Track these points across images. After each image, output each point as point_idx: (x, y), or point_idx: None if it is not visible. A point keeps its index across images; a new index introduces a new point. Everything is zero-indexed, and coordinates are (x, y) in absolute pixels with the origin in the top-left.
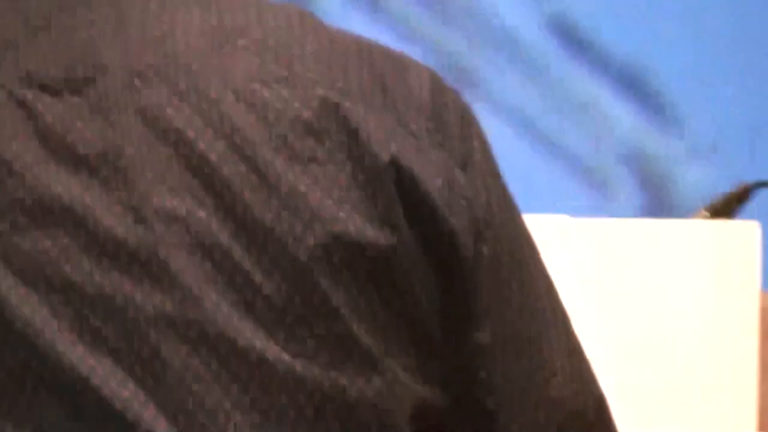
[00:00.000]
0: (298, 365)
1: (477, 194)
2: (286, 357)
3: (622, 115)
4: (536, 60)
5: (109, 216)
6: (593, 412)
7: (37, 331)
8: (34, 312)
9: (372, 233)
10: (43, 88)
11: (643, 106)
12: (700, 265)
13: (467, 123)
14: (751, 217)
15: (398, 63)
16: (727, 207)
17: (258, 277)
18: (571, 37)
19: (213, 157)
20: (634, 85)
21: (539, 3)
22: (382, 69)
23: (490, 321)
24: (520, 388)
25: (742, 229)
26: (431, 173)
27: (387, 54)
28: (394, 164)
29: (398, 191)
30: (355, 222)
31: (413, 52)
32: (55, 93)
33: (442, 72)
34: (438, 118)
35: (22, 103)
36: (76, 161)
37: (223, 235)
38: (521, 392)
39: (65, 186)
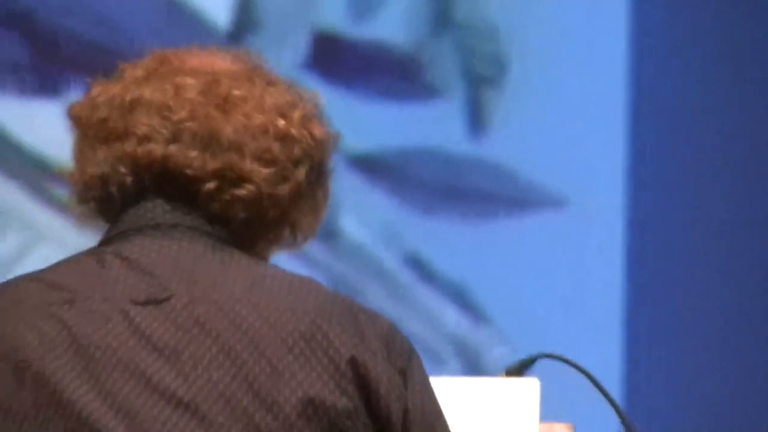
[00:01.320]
0: None
1: (410, 393)
2: None
3: (451, 316)
4: (395, 281)
5: (173, 380)
6: None
7: None
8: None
9: (335, 398)
10: (134, 302)
11: (465, 310)
12: (498, 410)
13: (407, 351)
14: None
15: (372, 314)
16: (519, 370)
17: (262, 422)
18: (420, 267)
19: (238, 347)
20: (459, 297)
21: (399, 243)
22: (358, 314)
23: None
24: None
25: (527, 384)
26: (380, 374)
27: (367, 310)
28: (353, 361)
29: (355, 378)
30: (324, 389)
31: (312, 274)
32: (149, 304)
33: (334, 286)
34: (389, 346)
35: (123, 314)
36: (155, 348)
37: (245, 397)
38: None
39: (147, 363)
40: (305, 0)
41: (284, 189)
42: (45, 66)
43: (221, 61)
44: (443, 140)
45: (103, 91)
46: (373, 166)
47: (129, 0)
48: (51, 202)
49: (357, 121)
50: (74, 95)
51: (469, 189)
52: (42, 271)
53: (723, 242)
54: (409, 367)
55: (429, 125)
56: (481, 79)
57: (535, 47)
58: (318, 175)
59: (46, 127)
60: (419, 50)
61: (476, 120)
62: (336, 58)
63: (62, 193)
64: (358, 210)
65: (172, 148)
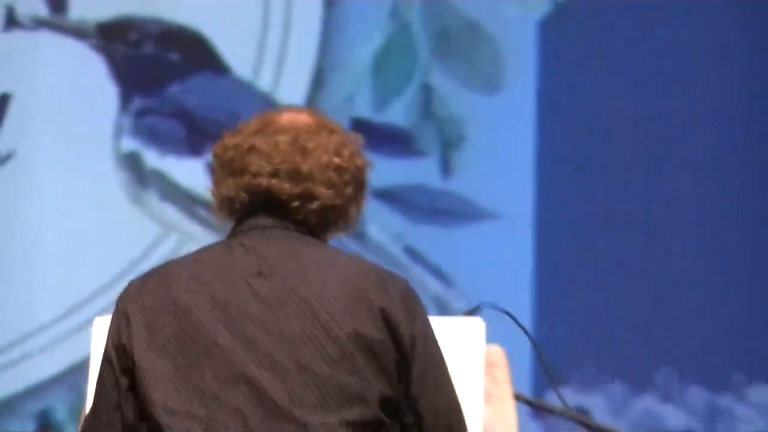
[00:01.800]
0: (342, 377)
1: (416, 327)
2: (340, 375)
3: (433, 285)
4: (400, 265)
5: (274, 322)
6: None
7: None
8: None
9: (372, 332)
10: (251, 275)
11: (442, 281)
12: (450, 343)
13: (415, 300)
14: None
15: (394, 276)
16: (471, 313)
17: (326, 343)
18: (415, 255)
19: (312, 300)
20: (439, 274)
21: (402, 241)
22: (384, 277)
23: (419, 381)
24: (435, 410)
25: (473, 323)
26: (398, 316)
27: (391, 273)
28: (382, 310)
29: (383, 319)
30: (366, 326)
31: None
32: (261, 276)
33: None
34: (403, 297)
35: (245, 283)
36: (258, 300)
37: (315, 330)
38: (436, 412)
39: (260, 313)
40: (348, 100)
41: (339, 201)
42: (193, 138)
43: (303, 117)
44: (427, 180)
45: (230, 139)
46: (387, 196)
47: (242, 101)
48: (195, 217)
49: (378, 169)
50: (209, 155)
51: (443, 209)
52: (193, 253)
53: (612, 237)
54: (415, 311)
55: (419, 172)
56: (449, 145)
57: (478, 131)
58: (360, 189)
59: (193, 174)
60: (414, 128)
61: (446, 169)
62: (365, 133)
63: (202, 212)
64: (377, 221)
65: (273, 181)
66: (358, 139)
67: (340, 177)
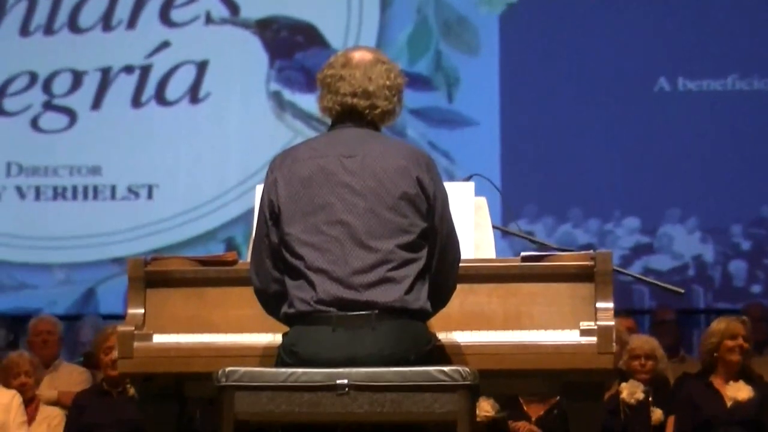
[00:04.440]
0: (396, 219)
1: (436, 187)
2: (395, 217)
3: None
4: None
5: (356, 183)
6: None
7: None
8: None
9: (413, 190)
10: (342, 156)
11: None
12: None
13: (434, 167)
14: None
15: (422, 153)
16: (467, 179)
17: (384, 194)
18: None
19: (378, 170)
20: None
21: None
22: (417, 154)
23: (437, 218)
24: (446, 232)
25: (466, 185)
26: (426, 180)
27: (420, 150)
28: (417, 178)
29: (418, 183)
30: (408, 187)
31: None
32: (348, 157)
33: None
34: (428, 166)
35: (339, 160)
36: (347, 171)
37: (378, 187)
38: (445, 248)
39: (346, 178)
40: (395, 59)
41: (390, 106)
42: (309, 83)
43: (367, 55)
44: (439, 104)
45: (327, 70)
46: (417, 113)
47: None
48: (311, 127)
49: (412, 98)
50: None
51: (448, 119)
52: (309, 140)
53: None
54: (435, 177)
55: (434, 99)
56: (450, 85)
57: (467, 77)
58: (400, 97)
59: (310, 103)
60: (431, 75)
61: (449, 97)
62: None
63: (315, 124)
64: (411, 126)
65: (353, 99)
66: (398, 65)
67: (390, 92)
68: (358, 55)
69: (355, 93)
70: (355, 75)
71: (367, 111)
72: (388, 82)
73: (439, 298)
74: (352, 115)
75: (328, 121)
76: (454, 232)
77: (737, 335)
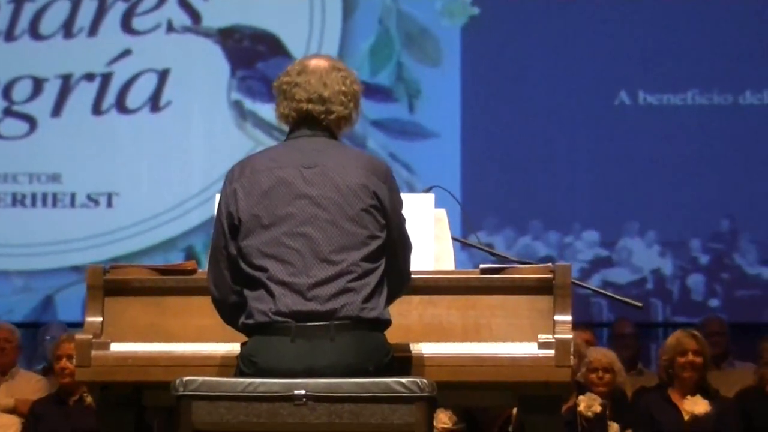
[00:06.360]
0: (357, 230)
1: (391, 198)
2: (355, 228)
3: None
4: None
5: (313, 192)
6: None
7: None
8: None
9: (372, 201)
10: (302, 166)
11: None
12: (408, 213)
13: (391, 178)
14: None
15: (380, 162)
16: (427, 191)
17: (349, 212)
18: None
19: (336, 179)
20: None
21: None
22: (375, 163)
23: (393, 229)
24: (401, 241)
25: (426, 197)
26: (382, 190)
27: (378, 160)
28: (374, 193)
29: (375, 195)
30: (367, 199)
31: None
32: (308, 167)
33: None
34: (385, 177)
35: (299, 171)
36: (306, 182)
37: (335, 195)
38: (400, 260)
39: (304, 188)
40: (356, 69)
41: (346, 112)
42: (269, 93)
43: (322, 62)
44: (399, 115)
45: (284, 77)
46: (378, 124)
47: None
48: (271, 136)
49: (373, 109)
50: None
51: (408, 131)
52: (267, 149)
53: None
54: (392, 184)
55: (395, 110)
56: (411, 96)
57: (428, 88)
58: (357, 103)
59: (269, 112)
60: (392, 86)
61: (410, 109)
62: (366, 90)
63: (275, 134)
64: (372, 138)
65: (309, 105)
66: (354, 72)
67: (345, 97)
68: (314, 63)
69: (311, 99)
70: (311, 81)
71: (322, 116)
72: (344, 88)
73: (398, 289)
74: (308, 120)
75: (286, 129)
76: (409, 241)
77: (687, 351)
